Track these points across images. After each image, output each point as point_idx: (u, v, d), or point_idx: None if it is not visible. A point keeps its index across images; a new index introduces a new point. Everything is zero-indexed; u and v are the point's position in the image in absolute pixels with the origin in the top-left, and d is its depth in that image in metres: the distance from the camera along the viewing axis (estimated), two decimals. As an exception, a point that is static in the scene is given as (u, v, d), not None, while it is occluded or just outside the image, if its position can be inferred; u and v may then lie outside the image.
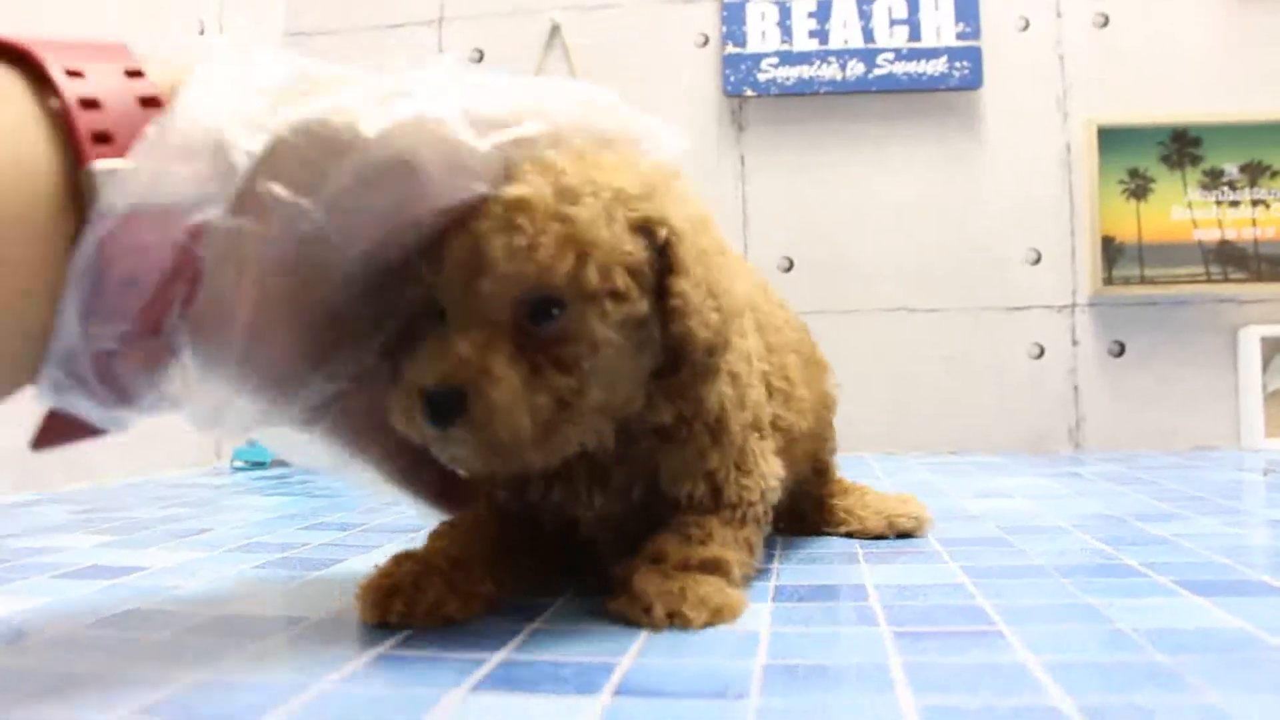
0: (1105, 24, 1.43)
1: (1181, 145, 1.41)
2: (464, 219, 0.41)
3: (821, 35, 1.44)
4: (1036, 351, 1.42)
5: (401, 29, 1.56)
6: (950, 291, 1.43)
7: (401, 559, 0.48)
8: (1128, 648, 0.41)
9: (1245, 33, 1.41)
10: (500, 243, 0.41)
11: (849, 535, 0.70)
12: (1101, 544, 0.65)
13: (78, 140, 0.30)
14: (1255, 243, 1.40)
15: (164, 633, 0.46)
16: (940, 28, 1.43)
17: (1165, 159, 1.42)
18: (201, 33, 1.38)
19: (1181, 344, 1.41)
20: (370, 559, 0.63)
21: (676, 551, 0.49)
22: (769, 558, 0.62)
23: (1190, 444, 1.39)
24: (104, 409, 0.34)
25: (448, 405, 0.41)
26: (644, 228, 0.44)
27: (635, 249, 0.44)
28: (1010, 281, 1.43)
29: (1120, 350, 1.41)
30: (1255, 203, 1.41)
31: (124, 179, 0.30)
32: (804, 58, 1.44)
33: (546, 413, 0.42)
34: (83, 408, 0.33)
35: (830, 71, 1.43)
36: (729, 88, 1.44)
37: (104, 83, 0.31)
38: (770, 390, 0.59)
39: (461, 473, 0.50)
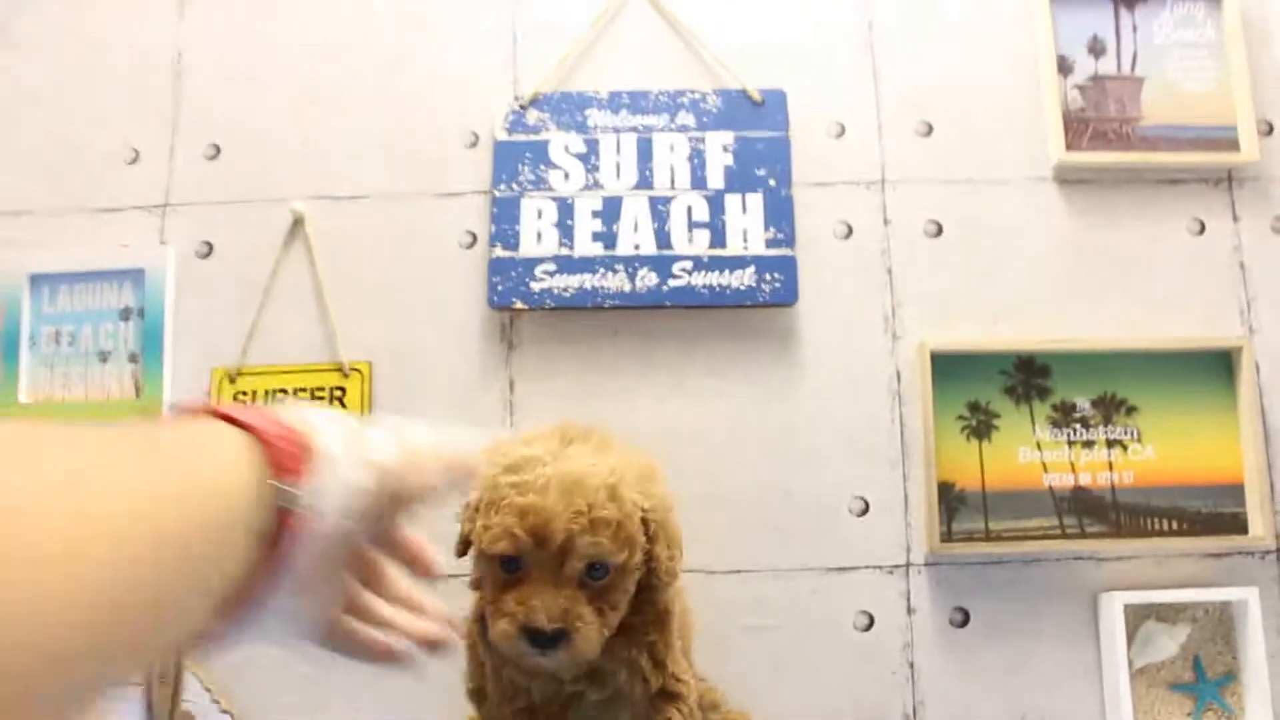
0: (939, 233, 1.24)
1: (1028, 376, 1.21)
2: (542, 503, 0.73)
3: (608, 239, 1.21)
4: (865, 622, 1.17)
5: (120, 213, 1.30)
6: (759, 548, 1.18)
7: None
8: None
9: (1095, 250, 1.24)
10: (586, 538, 0.73)
11: None
12: None
13: (275, 462, 0.41)
14: (1114, 489, 1.19)
15: None
16: (748, 232, 1.22)
17: (1009, 391, 1.21)
18: None
19: (1034, 611, 1.18)
20: None
21: None
22: None
23: (1050, 732, 1.15)
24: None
25: (555, 639, 0.73)
26: (645, 520, 0.78)
27: (642, 538, 0.77)
28: (832, 536, 1.18)
29: (964, 619, 1.18)
30: (1111, 443, 1.20)
31: (318, 494, 0.42)
32: (587, 265, 1.21)
33: (604, 639, 0.76)
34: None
35: (617, 282, 1.20)
36: (495, 298, 1.20)
37: (272, 430, 0.42)
38: None
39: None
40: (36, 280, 1.28)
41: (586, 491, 0.74)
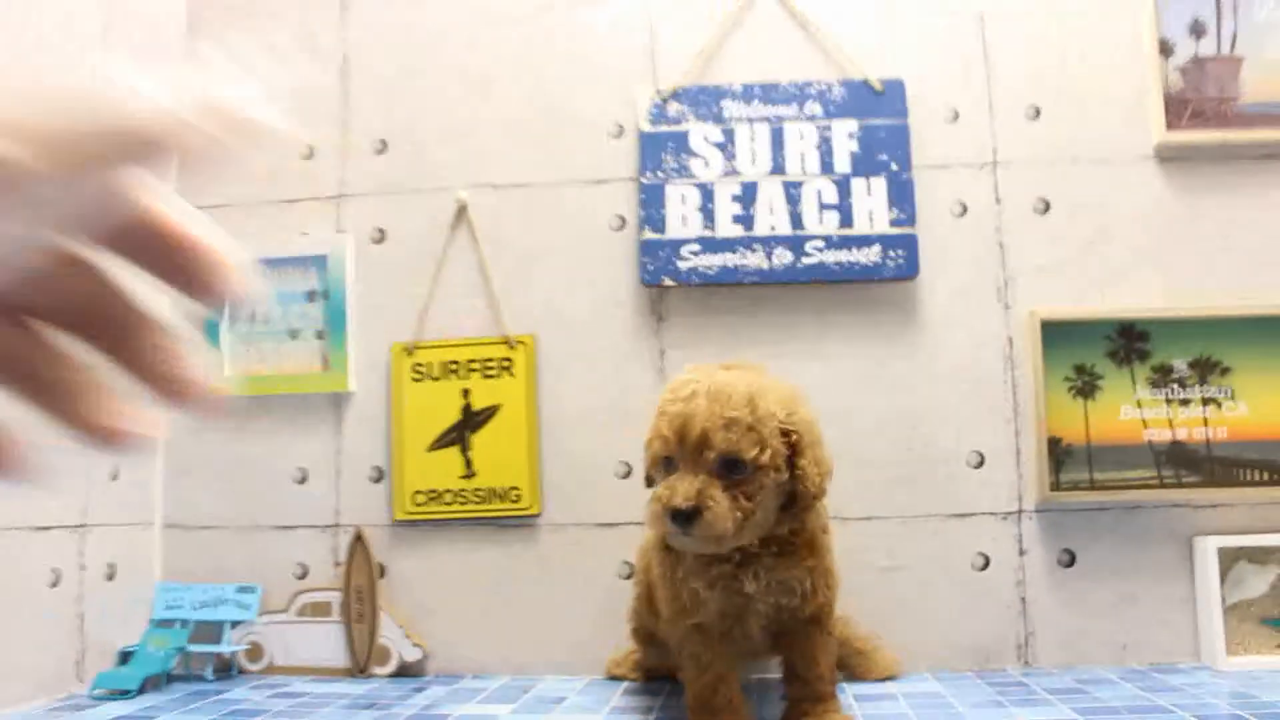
0: (1046, 210, 1.35)
1: (1129, 340, 1.33)
2: (687, 408, 0.88)
3: (746, 221, 1.34)
4: (981, 562, 1.31)
5: (298, 204, 1.44)
6: (887, 498, 1.32)
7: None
8: None
9: (1193, 223, 1.34)
10: (720, 432, 0.86)
11: None
12: None
13: None
14: (1208, 444, 1.31)
15: None
16: (873, 213, 1.34)
17: (1112, 354, 1.33)
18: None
19: (1134, 553, 1.31)
20: None
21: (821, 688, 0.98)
22: None
23: (1146, 659, 1.29)
24: None
25: (689, 516, 0.85)
26: (784, 431, 0.89)
27: (780, 444, 0.89)
28: (952, 486, 1.32)
29: (1071, 560, 1.31)
30: (1206, 401, 1.32)
31: None
32: (728, 245, 1.34)
33: (738, 522, 0.86)
34: None
35: (756, 260, 1.33)
36: (646, 276, 1.34)
37: None
38: None
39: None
40: (230, 265, 1.44)
41: (726, 398, 0.87)
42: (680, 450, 0.88)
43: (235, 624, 1.37)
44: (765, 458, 0.87)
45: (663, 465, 0.91)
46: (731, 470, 0.87)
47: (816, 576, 0.97)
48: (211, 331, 1.42)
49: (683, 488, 0.86)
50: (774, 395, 0.91)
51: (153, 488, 1.42)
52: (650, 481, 0.96)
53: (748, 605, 0.96)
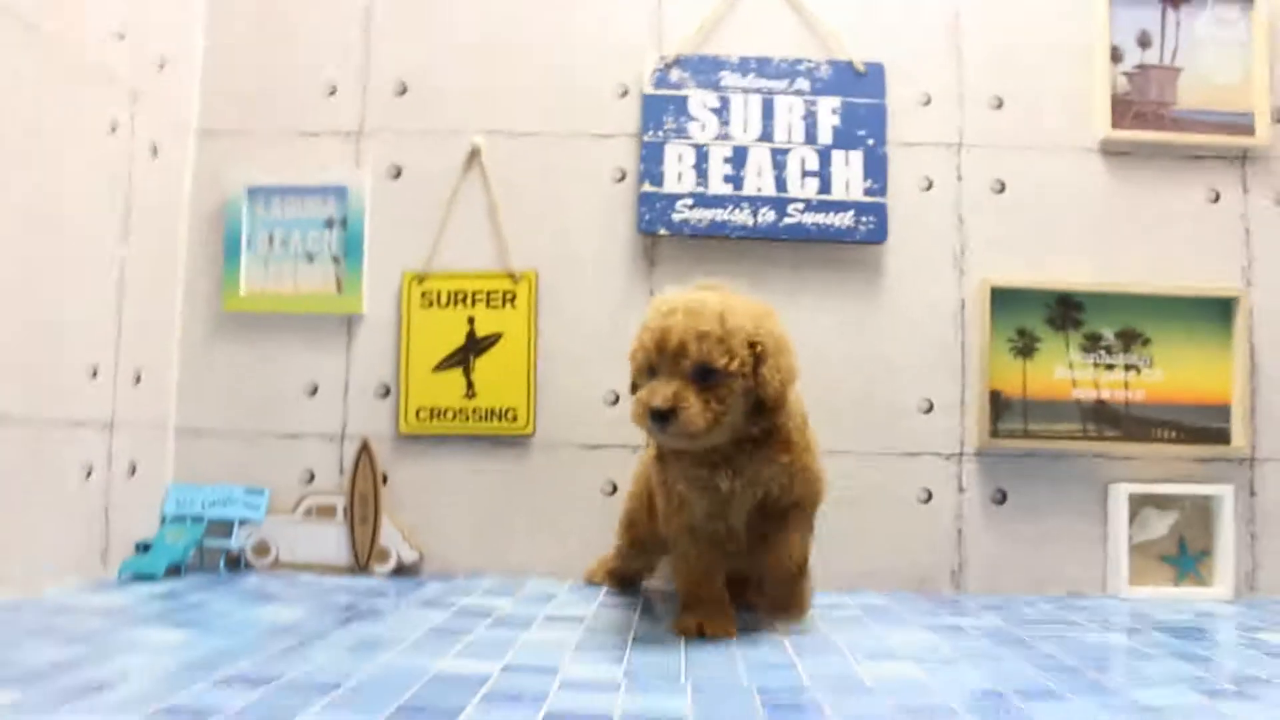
0: (1002, 190, 1.52)
1: (1066, 309, 1.50)
2: (666, 322, 1.00)
3: (736, 181, 1.49)
4: (925, 496, 1.48)
5: (319, 138, 1.55)
6: (850, 436, 1.48)
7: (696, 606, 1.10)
8: None
9: (1128, 210, 1.51)
10: (694, 343, 0.99)
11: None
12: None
13: None
14: (1127, 404, 1.50)
15: None
16: (849, 182, 1.49)
17: (1050, 321, 1.50)
18: (114, 130, 1.35)
19: (1058, 495, 1.49)
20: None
21: (789, 565, 1.11)
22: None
23: (1062, 589, 1.47)
24: None
25: (665, 416, 0.97)
26: (752, 342, 1.02)
27: (747, 354, 1.01)
28: (903, 428, 1.49)
29: (1002, 498, 1.49)
30: (1128, 367, 1.50)
31: None
32: (718, 201, 1.48)
33: (709, 422, 0.99)
34: None
35: (742, 217, 1.48)
36: (643, 225, 1.48)
37: None
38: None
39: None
40: (254, 192, 1.54)
41: (700, 314, 1.00)
42: (660, 359, 1.00)
43: (243, 523, 1.49)
44: (734, 365, 0.99)
45: (646, 374, 1.03)
46: (704, 377, 0.99)
47: (795, 472, 1.09)
48: (231, 251, 1.52)
49: (661, 391, 0.98)
50: (744, 311, 1.03)
51: (168, 394, 1.52)
52: (635, 388, 1.06)
53: (729, 502, 1.09)
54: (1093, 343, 1.51)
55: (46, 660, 0.85)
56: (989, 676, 0.90)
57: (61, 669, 0.82)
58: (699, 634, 1.05)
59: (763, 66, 1.52)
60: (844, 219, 1.48)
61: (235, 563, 1.48)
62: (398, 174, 1.54)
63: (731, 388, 1.00)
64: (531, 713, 0.72)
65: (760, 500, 1.11)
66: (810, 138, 1.50)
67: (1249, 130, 1.51)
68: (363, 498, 1.48)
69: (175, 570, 1.39)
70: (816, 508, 1.16)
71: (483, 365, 1.50)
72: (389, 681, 0.81)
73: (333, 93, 1.56)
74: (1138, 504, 1.49)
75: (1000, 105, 1.54)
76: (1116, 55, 1.53)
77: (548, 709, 0.74)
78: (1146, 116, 1.52)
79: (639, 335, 1.05)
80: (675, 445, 1.05)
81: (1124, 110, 1.52)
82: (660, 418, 0.98)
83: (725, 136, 1.50)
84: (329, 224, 1.54)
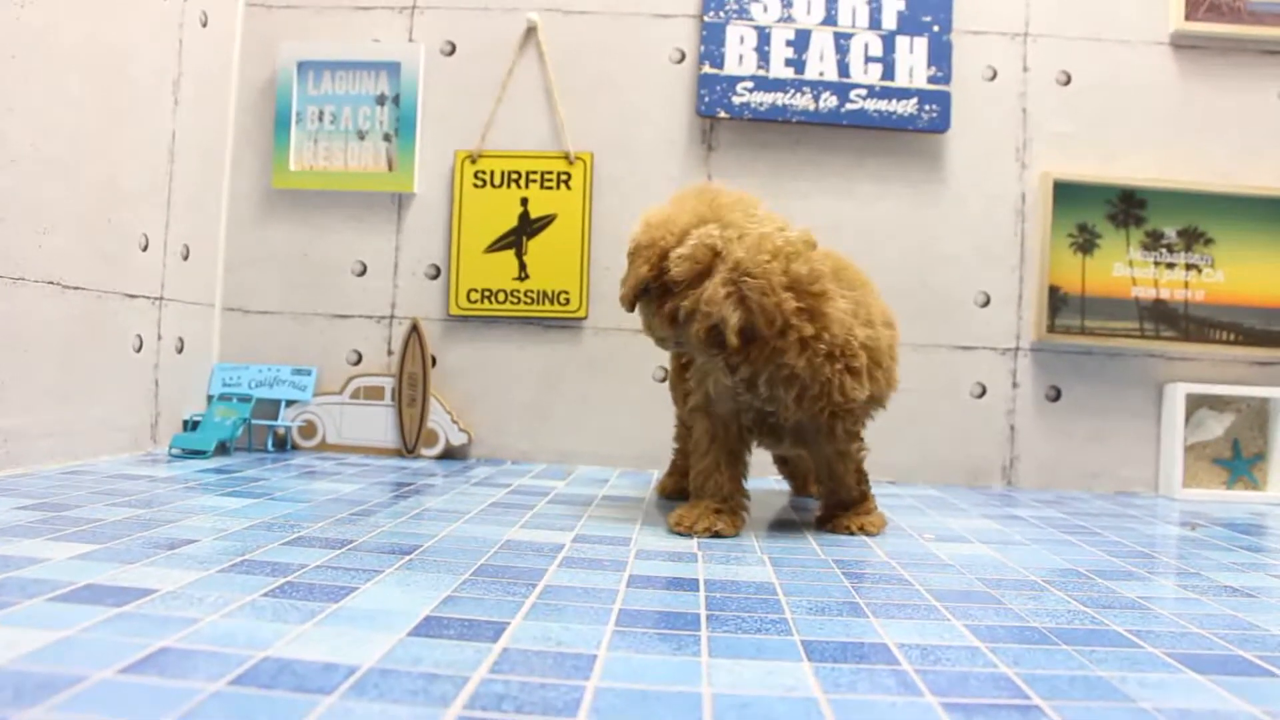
0: (1068, 82, 1.49)
1: (1128, 206, 1.48)
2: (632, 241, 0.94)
3: (798, 65, 1.45)
4: (979, 391, 1.47)
5: (372, 12, 1.52)
6: (904, 327, 1.45)
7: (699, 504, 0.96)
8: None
9: (1197, 106, 1.48)
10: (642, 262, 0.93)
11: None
12: (1081, 605, 0.68)
13: None
14: (1186, 304, 1.48)
15: (211, 683, 0.43)
16: (914, 69, 1.46)
17: (1112, 217, 1.48)
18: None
19: (1113, 394, 1.47)
20: (381, 589, 0.61)
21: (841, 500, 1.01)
22: (778, 605, 0.63)
23: (1113, 487, 1.46)
24: None
25: (661, 340, 0.97)
26: (664, 253, 0.93)
27: (690, 266, 0.91)
28: (960, 321, 1.47)
29: (1056, 395, 1.47)
30: (1189, 266, 1.48)
31: None
32: (779, 85, 1.45)
33: (661, 335, 0.96)
34: None
35: (804, 101, 1.45)
36: (702, 108, 1.45)
37: None
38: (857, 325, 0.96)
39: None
40: (303, 66, 1.51)
41: (662, 226, 0.93)
42: (631, 273, 0.94)
43: (290, 403, 1.47)
44: (664, 278, 0.91)
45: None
46: (648, 290, 0.93)
47: (810, 376, 0.91)
48: (281, 127, 1.50)
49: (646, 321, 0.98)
50: (673, 222, 0.93)
51: (215, 272, 1.51)
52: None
53: (743, 400, 0.96)
54: (1154, 240, 1.48)
55: (116, 519, 0.84)
56: (1063, 557, 0.89)
57: (133, 525, 0.81)
58: (687, 530, 0.93)
59: (828, -52, 1.48)
60: (907, 106, 1.45)
61: (282, 443, 1.47)
62: (452, 50, 1.51)
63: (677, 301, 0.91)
64: (614, 578, 0.71)
65: (785, 399, 0.93)
66: (874, 23, 1.46)
67: (1325, 24, 1.47)
68: (411, 379, 1.47)
69: (223, 448, 1.38)
70: (854, 421, 0.99)
71: (535, 247, 1.48)
72: (463, 547, 0.79)
73: (385, -33, 1.52)
74: (1193, 405, 1.47)
75: (1069, -5, 1.50)
76: (1190, -54, 1.49)
77: (630, 573, 0.73)
78: (1221, 9, 1.49)
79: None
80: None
81: (1198, 2, 1.48)
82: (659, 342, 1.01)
83: (788, 19, 1.46)
84: (380, 100, 1.51)
